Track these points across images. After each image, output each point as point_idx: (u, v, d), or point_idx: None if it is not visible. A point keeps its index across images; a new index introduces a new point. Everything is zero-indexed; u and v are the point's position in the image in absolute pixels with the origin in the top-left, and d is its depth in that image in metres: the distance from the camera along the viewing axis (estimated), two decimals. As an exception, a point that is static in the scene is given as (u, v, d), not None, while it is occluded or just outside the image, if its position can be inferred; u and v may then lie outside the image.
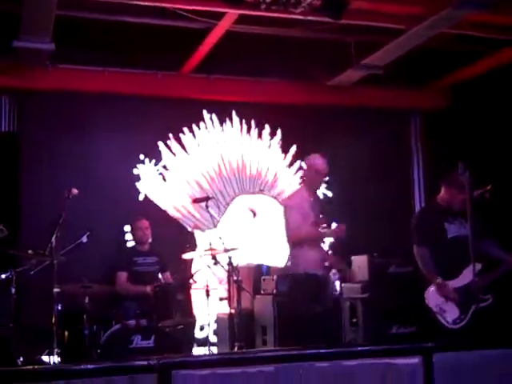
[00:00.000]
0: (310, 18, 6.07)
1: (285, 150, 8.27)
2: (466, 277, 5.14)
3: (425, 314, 5.25)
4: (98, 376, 2.89)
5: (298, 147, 8.26)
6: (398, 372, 3.27)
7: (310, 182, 5.88)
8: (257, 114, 8.13)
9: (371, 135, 8.30)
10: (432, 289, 5.19)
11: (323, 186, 8.34)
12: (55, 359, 5.23)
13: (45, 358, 5.59)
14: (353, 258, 7.05)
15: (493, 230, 5.42)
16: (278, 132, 8.26)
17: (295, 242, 5.70)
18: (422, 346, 3.37)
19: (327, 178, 8.27)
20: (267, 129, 8.23)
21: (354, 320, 6.62)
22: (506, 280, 5.29)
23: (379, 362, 3.31)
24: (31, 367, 3.77)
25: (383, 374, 3.27)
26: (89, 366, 3.07)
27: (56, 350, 5.27)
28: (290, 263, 6.16)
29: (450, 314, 5.14)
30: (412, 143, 8.90)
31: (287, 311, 6.00)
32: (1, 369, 3.18)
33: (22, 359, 5.53)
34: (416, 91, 8.52)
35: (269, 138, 8.24)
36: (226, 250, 6.06)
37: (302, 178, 5.86)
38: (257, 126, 8.20)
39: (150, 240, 6.81)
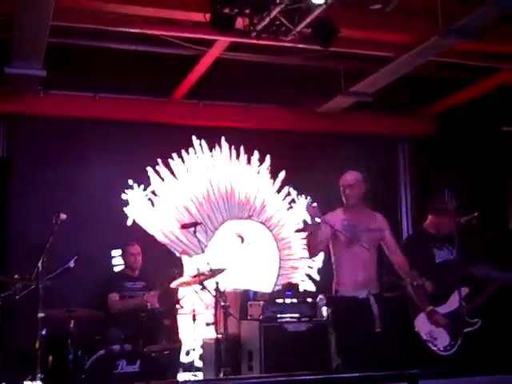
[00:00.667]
0: (300, 45, 6.14)
1: (274, 176, 8.31)
2: (454, 302, 5.15)
3: (414, 341, 5.25)
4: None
5: (286, 173, 8.30)
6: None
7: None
8: (246, 140, 8.18)
9: (359, 162, 8.32)
10: (422, 316, 5.20)
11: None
12: (37, 385, 5.17)
13: (27, 384, 5.54)
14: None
15: (481, 254, 5.45)
16: (267, 158, 8.30)
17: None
18: (408, 373, 3.37)
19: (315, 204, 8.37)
20: (256, 155, 8.27)
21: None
22: (495, 303, 5.30)
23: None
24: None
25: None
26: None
27: (39, 375, 5.22)
28: None
29: (441, 340, 5.14)
30: (400, 169, 8.96)
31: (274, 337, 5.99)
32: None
33: (4, 385, 5.50)
34: (404, 118, 8.62)
35: (258, 163, 8.27)
36: (212, 272, 6.02)
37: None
38: (246, 151, 8.24)
39: (139, 265, 6.80)
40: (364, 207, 5.56)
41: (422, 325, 5.22)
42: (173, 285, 6.22)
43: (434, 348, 5.13)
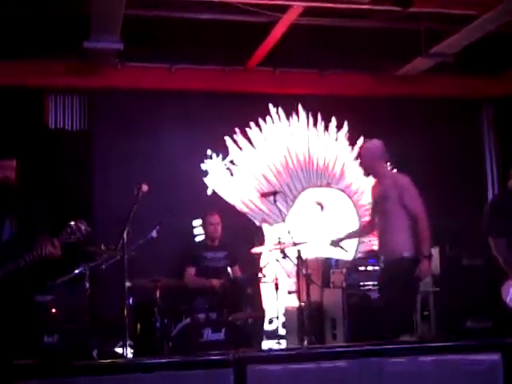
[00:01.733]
0: (378, 7, 5.97)
1: (352, 143, 8.17)
2: None
3: (501, 309, 5.10)
4: (175, 370, 2.91)
5: (364, 139, 8.13)
6: (476, 369, 3.18)
7: None
8: (323, 107, 8.07)
9: (441, 126, 8.14)
10: (509, 283, 5.03)
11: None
12: (128, 351, 5.32)
13: (118, 351, 5.71)
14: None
15: None
16: (345, 124, 8.17)
17: None
18: (503, 342, 3.25)
19: (395, 170, 8.21)
20: (334, 121, 8.16)
21: (426, 313, 6.51)
22: None
23: (456, 358, 3.22)
24: (107, 361, 3.86)
25: (460, 370, 3.19)
26: (165, 360, 3.11)
27: (129, 343, 5.36)
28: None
29: None
30: (484, 132, 8.67)
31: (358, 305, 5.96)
32: (78, 362, 3.23)
33: (96, 352, 5.68)
34: (487, 79, 8.29)
35: (335, 130, 8.17)
36: (295, 244, 6.04)
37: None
38: (323, 118, 8.14)
39: (219, 235, 6.85)
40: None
41: (509, 292, 5.05)
42: (254, 250, 6.28)
43: None
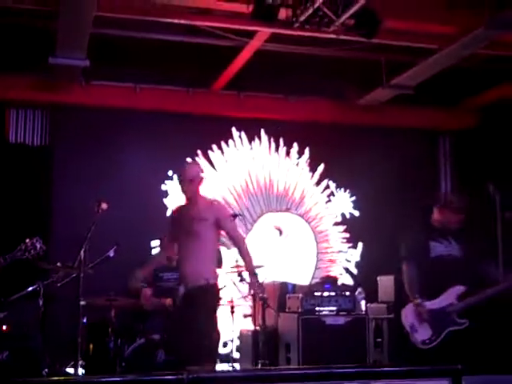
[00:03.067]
0: (342, 37, 6.08)
1: (313, 169, 8.28)
2: (445, 299, 5.11)
3: (398, 332, 5.22)
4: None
5: (325, 166, 8.26)
6: (426, 394, 3.23)
7: None
8: (285, 133, 8.17)
9: (400, 155, 8.29)
10: (410, 307, 5.17)
11: (350, 205, 8.34)
12: (80, 371, 5.24)
13: (69, 370, 5.62)
14: (379, 278, 7.00)
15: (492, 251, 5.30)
16: (306, 150, 8.27)
17: None
18: (452, 368, 3.31)
19: (354, 198, 8.34)
20: (295, 147, 8.25)
21: (379, 340, 6.56)
22: (488, 305, 5.16)
23: (407, 383, 3.26)
24: (57, 378, 3.80)
25: (411, 395, 3.23)
26: (118, 379, 3.07)
27: (80, 362, 5.28)
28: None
29: (421, 334, 5.10)
30: (440, 163, 8.87)
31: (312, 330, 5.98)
32: (27, 379, 3.17)
33: (46, 370, 5.57)
34: (445, 111, 8.51)
35: (297, 156, 8.26)
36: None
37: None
38: (285, 144, 8.23)
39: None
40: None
41: (408, 315, 5.18)
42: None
43: (413, 340, 5.10)
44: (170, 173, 7.68)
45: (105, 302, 5.80)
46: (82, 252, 5.40)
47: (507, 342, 5.61)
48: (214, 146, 7.91)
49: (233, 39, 6.67)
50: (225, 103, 7.93)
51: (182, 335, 4.88)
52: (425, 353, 5.03)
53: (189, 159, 7.75)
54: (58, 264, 5.76)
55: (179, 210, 5.27)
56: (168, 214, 7.61)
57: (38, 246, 4.41)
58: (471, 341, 5.03)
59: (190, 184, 5.09)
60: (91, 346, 5.71)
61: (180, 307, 5.17)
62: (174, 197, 7.66)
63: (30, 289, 5.88)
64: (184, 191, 5.11)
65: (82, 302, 5.34)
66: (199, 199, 5.13)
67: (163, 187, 7.66)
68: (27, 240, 4.42)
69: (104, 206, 5.61)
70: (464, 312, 5.11)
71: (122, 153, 7.46)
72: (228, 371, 5.03)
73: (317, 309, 6.46)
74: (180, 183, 5.22)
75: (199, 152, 7.83)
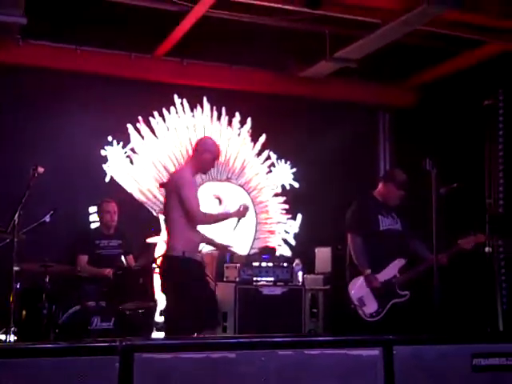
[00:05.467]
0: (287, 6, 6.06)
1: (254, 139, 8.27)
2: (390, 272, 5.25)
3: (345, 305, 5.32)
4: (59, 356, 2.84)
5: (267, 137, 8.27)
6: (358, 362, 3.30)
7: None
8: (228, 102, 8.11)
9: (340, 129, 8.36)
10: (359, 279, 5.26)
11: (290, 176, 8.39)
12: (11, 338, 5.15)
13: (1, 337, 5.53)
14: (317, 249, 7.11)
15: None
16: (249, 120, 8.25)
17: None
18: (383, 338, 3.39)
19: (294, 169, 8.39)
20: (237, 117, 8.21)
21: (315, 310, 6.68)
22: (425, 279, 5.33)
23: (340, 352, 3.33)
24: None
25: (344, 364, 3.30)
26: (49, 346, 3.03)
27: (13, 329, 5.20)
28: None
29: (369, 307, 5.22)
30: (380, 139, 8.98)
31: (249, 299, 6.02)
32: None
33: (-23, 337, 5.47)
34: (386, 87, 8.59)
35: (239, 125, 8.23)
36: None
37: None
38: (227, 113, 8.19)
39: (115, 223, 6.74)
40: None
41: (357, 288, 5.29)
42: (149, 240, 6.23)
43: (361, 313, 5.22)
44: (109, 138, 7.55)
45: (39, 268, 5.71)
46: (15, 216, 5.29)
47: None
48: (156, 113, 7.81)
49: (177, 4, 6.54)
50: (167, 70, 7.80)
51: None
52: (370, 326, 5.13)
53: (129, 125, 7.65)
54: (-10, 228, 5.62)
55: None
56: (107, 180, 7.51)
57: None
58: (412, 312, 5.17)
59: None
60: (24, 311, 5.63)
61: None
62: (113, 163, 7.55)
63: (-39, 253, 5.73)
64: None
65: (16, 268, 5.26)
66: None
67: (103, 153, 7.52)
68: None
69: (40, 170, 5.50)
70: (405, 284, 5.24)
71: (61, 117, 7.27)
72: (163, 338, 5.02)
73: (254, 279, 6.52)
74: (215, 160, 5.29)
75: (140, 118, 7.72)
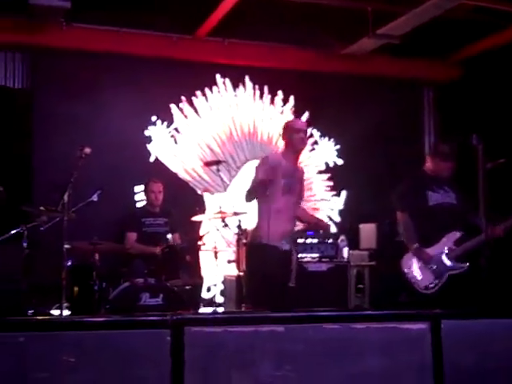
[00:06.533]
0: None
1: (297, 117, 8.25)
2: (443, 245, 5.20)
3: (401, 280, 5.30)
4: (112, 329, 2.91)
5: (310, 114, 8.25)
6: (405, 337, 3.31)
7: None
8: (270, 80, 8.12)
9: (383, 105, 8.29)
10: (408, 254, 5.25)
11: (334, 153, 8.38)
12: (64, 313, 5.30)
13: (54, 312, 5.68)
14: (361, 225, 7.10)
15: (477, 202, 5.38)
16: (291, 98, 8.24)
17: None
18: (431, 313, 3.39)
19: (338, 146, 8.38)
20: (280, 95, 8.22)
21: (361, 286, 6.68)
22: (482, 250, 5.27)
23: (387, 327, 3.34)
24: (42, 317, 3.83)
25: (391, 338, 3.31)
26: (102, 319, 3.11)
27: (65, 305, 5.34)
28: None
29: (423, 280, 5.19)
30: (424, 115, 8.90)
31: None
32: (12, 318, 3.20)
33: (31, 312, 5.63)
34: (430, 63, 8.48)
35: (281, 104, 8.23)
36: (236, 214, 6.09)
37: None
38: (270, 91, 8.19)
39: (160, 202, 6.83)
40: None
41: (407, 263, 5.27)
42: (195, 219, 6.28)
43: (416, 286, 5.20)
44: (153, 118, 7.64)
45: (88, 246, 5.83)
46: (65, 196, 5.41)
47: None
48: (199, 93, 7.86)
49: (219, -17, 6.56)
50: (210, 49, 7.83)
51: None
52: (427, 298, 5.12)
53: (173, 105, 7.72)
54: (42, 208, 5.76)
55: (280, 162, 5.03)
56: (151, 160, 7.61)
57: None
58: (470, 284, 5.14)
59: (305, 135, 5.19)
60: (75, 288, 5.76)
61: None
62: (157, 142, 7.64)
63: (14, 231, 5.90)
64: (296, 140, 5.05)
65: (66, 246, 5.39)
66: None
67: (146, 133, 7.61)
68: None
69: (87, 150, 5.61)
70: (462, 256, 5.20)
71: (105, 97, 7.36)
72: (213, 312, 5.10)
73: (300, 255, 6.54)
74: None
75: (183, 98, 7.78)
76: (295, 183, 5.01)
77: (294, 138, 5.06)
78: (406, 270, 5.25)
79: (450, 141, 6.19)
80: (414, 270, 5.22)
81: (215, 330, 3.08)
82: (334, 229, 8.11)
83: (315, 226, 5.40)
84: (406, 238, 5.30)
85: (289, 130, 5.14)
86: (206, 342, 3.05)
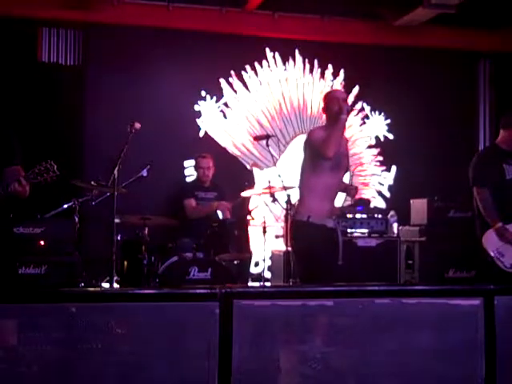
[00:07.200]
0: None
1: (347, 91, 8.09)
2: None
3: (482, 258, 5.17)
4: (161, 301, 2.93)
5: (360, 88, 8.12)
6: (457, 312, 3.24)
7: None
8: (320, 54, 8.01)
9: (437, 78, 8.11)
10: (491, 232, 5.10)
11: (385, 128, 8.25)
12: (114, 286, 5.38)
13: (104, 285, 5.78)
14: (412, 201, 6.98)
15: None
16: (341, 72, 8.12)
17: None
18: (484, 288, 3.31)
19: (389, 121, 8.24)
20: (330, 69, 8.10)
21: (410, 262, 6.60)
22: None
23: (439, 302, 3.28)
24: (95, 289, 3.90)
25: (442, 313, 3.25)
26: (152, 291, 3.13)
27: (115, 278, 5.42)
28: None
29: (509, 258, 5.05)
30: (480, 87, 8.64)
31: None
32: (65, 289, 3.25)
33: (82, 285, 5.74)
34: (487, 33, 8.22)
35: (331, 77, 8.12)
36: (285, 189, 6.04)
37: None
38: (320, 65, 8.08)
39: (209, 178, 6.83)
40: None
41: (491, 241, 5.12)
42: (244, 194, 6.27)
43: (501, 264, 5.05)
44: (202, 93, 7.63)
45: (138, 221, 5.89)
46: (115, 171, 5.46)
47: None
48: (248, 67, 7.81)
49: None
50: (259, 23, 7.76)
51: None
52: None
53: (222, 80, 7.69)
54: (92, 182, 5.84)
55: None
56: (201, 134, 7.61)
57: (51, 171, 4.09)
58: None
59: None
60: (125, 262, 5.85)
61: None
62: (207, 117, 7.64)
63: (66, 206, 6.01)
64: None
65: (117, 220, 5.45)
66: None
67: (196, 108, 7.61)
68: (42, 163, 4.12)
69: (137, 125, 5.63)
70: None
71: (155, 73, 7.40)
72: (261, 286, 5.10)
73: (349, 230, 6.49)
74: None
75: (233, 73, 7.74)
76: (342, 157, 4.85)
77: (334, 108, 4.60)
78: (489, 249, 5.11)
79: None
80: (497, 247, 5.09)
81: (264, 304, 3.06)
82: (383, 204, 8.01)
83: (344, 191, 5.20)
84: (487, 215, 5.13)
85: (328, 101, 4.73)
86: (255, 315, 3.04)
